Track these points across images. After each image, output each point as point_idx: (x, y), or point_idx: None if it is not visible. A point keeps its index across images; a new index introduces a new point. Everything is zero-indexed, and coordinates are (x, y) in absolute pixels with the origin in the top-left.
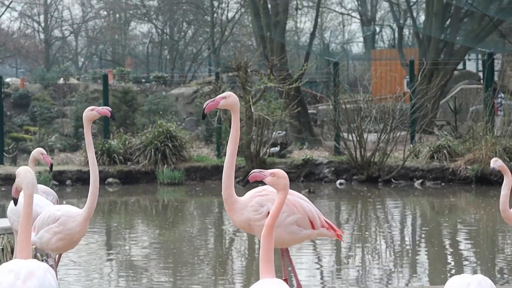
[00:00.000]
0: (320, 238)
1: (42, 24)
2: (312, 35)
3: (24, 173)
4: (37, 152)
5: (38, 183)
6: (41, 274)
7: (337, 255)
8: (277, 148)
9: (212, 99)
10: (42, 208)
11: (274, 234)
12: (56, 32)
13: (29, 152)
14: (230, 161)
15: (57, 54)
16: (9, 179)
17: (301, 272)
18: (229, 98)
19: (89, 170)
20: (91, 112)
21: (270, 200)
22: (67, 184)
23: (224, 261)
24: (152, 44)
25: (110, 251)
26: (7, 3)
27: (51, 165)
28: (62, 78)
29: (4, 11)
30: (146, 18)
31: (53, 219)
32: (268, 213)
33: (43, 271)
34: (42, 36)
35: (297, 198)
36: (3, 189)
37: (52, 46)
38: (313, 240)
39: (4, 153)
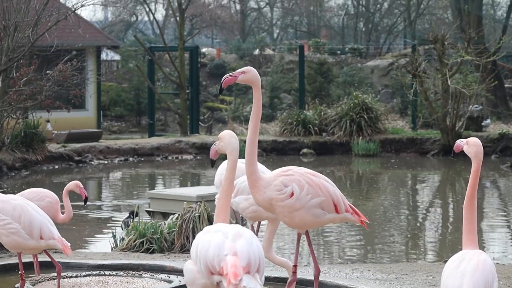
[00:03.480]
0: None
1: None
2: (510, 8)
3: (229, 138)
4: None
5: None
6: (249, 236)
7: None
8: (489, 121)
9: (230, 74)
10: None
11: (475, 204)
12: (252, 3)
13: (224, 122)
14: (252, 138)
15: (253, 25)
16: (204, 148)
17: (493, 248)
18: (248, 73)
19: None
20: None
21: (294, 181)
22: (258, 154)
23: (417, 234)
24: (348, 16)
25: None
26: None
27: None
28: (257, 49)
29: None
30: None
31: None
32: (292, 194)
33: (250, 234)
34: (238, 7)
35: (323, 180)
36: (198, 157)
37: (247, 17)
38: (507, 217)
39: (199, 123)
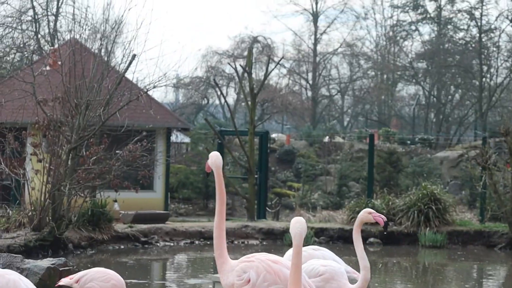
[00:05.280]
0: None
1: (310, 82)
2: None
3: (294, 223)
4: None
5: None
6: None
7: None
8: None
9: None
10: (328, 259)
11: None
12: (323, 90)
13: (291, 208)
14: (217, 221)
15: (323, 112)
16: (271, 234)
17: None
18: (209, 159)
19: (351, 229)
20: (367, 215)
21: (253, 267)
22: (324, 241)
23: None
24: (419, 106)
25: None
26: (277, 59)
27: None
28: (327, 136)
29: (274, 68)
30: (414, 80)
31: (315, 273)
32: (249, 280)
33: None
34: (309, 93)
35: (283, 267)
36: (264, 243)
37: (318, 104)
38: None
39: (267, 208)
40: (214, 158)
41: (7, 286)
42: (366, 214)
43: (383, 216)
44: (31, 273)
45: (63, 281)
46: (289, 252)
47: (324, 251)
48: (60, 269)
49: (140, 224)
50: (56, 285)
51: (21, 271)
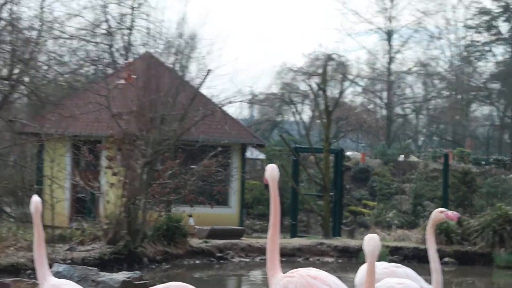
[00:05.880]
0: None
1: (385, 101)
2: None
3: (368, 240)
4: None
5: None
6: None
7: None
8: None
9: None
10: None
11: None
12: (398, 110)
13: (366, 226)
14: (271, 234)
15: (398, 131)
16: (346, 252)
17: None
18: (267, 171)
19: (426, 248)
20: (439, 214)
21: (293, 283)
22: (399, 260)
23: None
24: (493, 127)
25: None
26: (351, 77)
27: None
28: (402, 155)
29: (349, 86)
30: (488, 101)
31: None
32: None
33: None
34: (384, 112)
35: (321, 283)
36: (339, 260)
37: (393, 123)
38: None
39: (342, 226)
40: (270, 171)
41: None
42: (438, 213)
43: (455, 213)
44: (106, 286)
45: None
46: (362, 269)
47: (406, 269)
48: (135, 282)
49: (215, 239)
50: None
51: (96, 284)
